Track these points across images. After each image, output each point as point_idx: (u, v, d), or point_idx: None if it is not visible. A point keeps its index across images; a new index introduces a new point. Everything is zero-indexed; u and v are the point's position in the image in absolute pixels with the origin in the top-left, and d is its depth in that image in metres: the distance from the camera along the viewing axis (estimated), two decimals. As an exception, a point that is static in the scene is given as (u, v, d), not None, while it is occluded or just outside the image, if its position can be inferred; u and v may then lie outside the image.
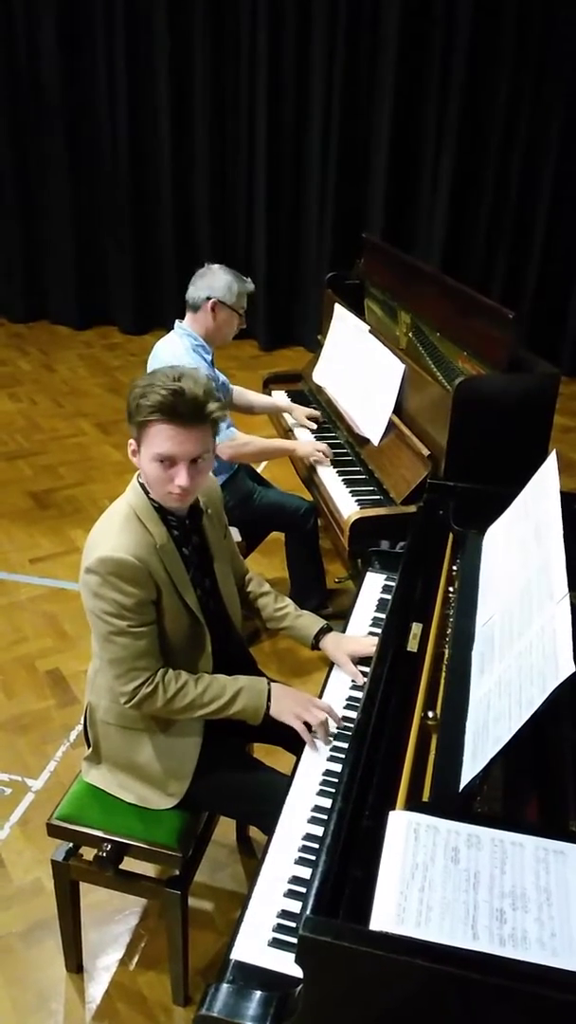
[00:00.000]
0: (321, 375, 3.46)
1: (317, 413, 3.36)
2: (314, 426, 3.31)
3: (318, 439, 3.22)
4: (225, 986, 1.24)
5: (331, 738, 1.76)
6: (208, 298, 2.77)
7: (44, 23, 5.53)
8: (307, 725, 1.76)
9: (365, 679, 1.90)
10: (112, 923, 2.18)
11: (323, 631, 2.00)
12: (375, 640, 1.96)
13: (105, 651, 1.72)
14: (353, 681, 1.92)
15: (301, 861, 1.49)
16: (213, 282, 2.78)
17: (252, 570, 2.13)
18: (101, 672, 1.81)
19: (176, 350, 2.75)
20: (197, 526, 1.85)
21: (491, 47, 5.20)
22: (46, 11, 5.48)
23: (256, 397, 3.34)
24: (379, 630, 1.99)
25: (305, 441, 3.13)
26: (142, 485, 1.74)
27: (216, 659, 1.86)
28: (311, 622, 2.02)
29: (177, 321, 2.87)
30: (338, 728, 1.79)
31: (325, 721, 1.76)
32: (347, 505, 2.75)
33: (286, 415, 3.42)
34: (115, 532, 1.68)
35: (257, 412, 3.38)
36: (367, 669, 1.88)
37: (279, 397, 3.62)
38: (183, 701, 1.74)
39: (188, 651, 1.81)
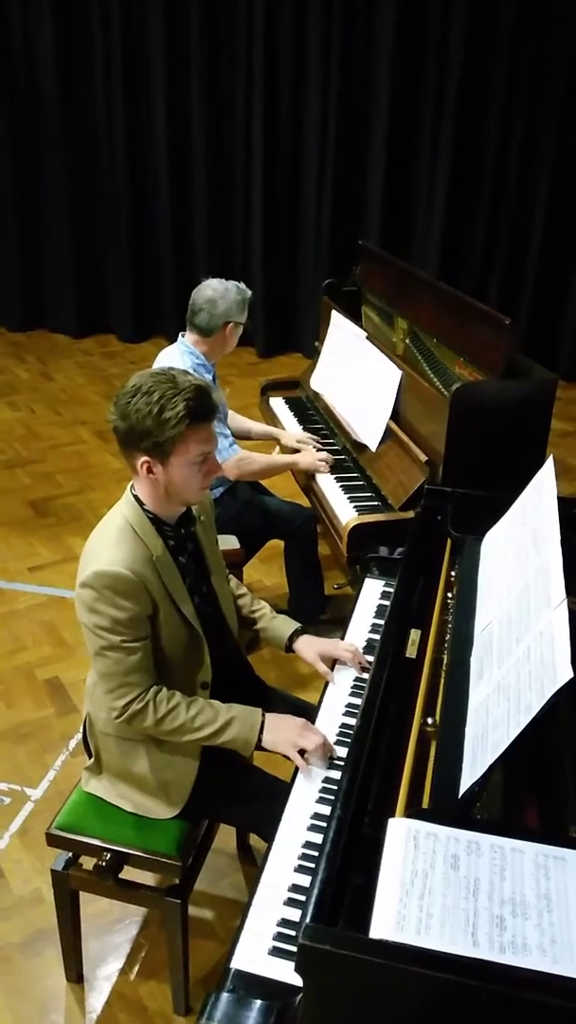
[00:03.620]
0: (319, 382, 3.46)
1: (309, 437, 3.26)
2: (312, 447, 3.23)
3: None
4: (225, 995, 1.24)
5: (329, 763, 1.72)
6: (226, 323, 2.79)
7: (42, 32, 5.54)
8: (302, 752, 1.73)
9: (333, 683, 1.94)
10: (112, 932, 2.18)
11: (297, 633, 2.01)
12: (348, 644, 1.99)
13: (98, 665, 1.72)
14: (352, 688, 1.92)
15: (301, 869, 1.49)
16: (228, 307, 2.78)
17: (251, 577, 2.14)
18: (98, 683, 1.81)
19: (177, 367, 2.75)
20: (191, 534, 1.85)
21: (486, 56, 5.22)
22: (43, 21, 5.50)
23: (254, 425, 3.27)
24: (378, 636, 1.99)
25: (306, 453, 3.11)
26: (136, 497, 1.74)
27: (214, 667, 1.85)
28: (285, 624, 2.03)
29: (181, 335, 2.87)
30: (335, 740, 1.76)
31: (321, 746, 1.72)
32: (345, 511, 2.75)
33: (282, 437, 3.30)
34: (111, 545, 1.68)
35: (255, 439, 3.27)
36: (364, 676, 1.89)
37: (276, 404, 3.62)
38: (173, 723, 1.72)
39: (186, 663, 1.81)
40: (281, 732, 1.75)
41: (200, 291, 2.81)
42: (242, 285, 2.86)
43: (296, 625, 2.02)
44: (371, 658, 1.92)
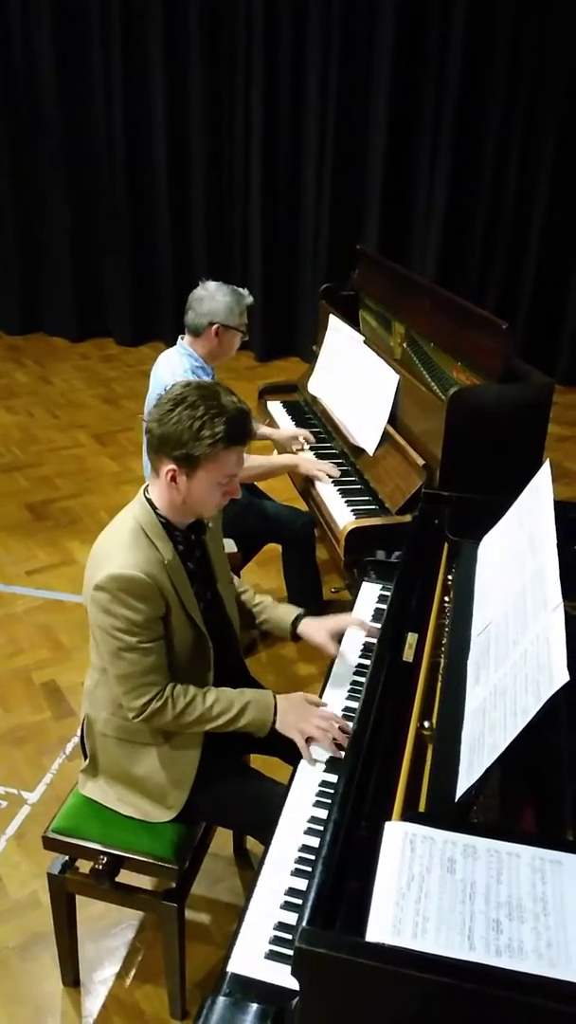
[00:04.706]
0: (316, 386, 3.47)
1: (304, 433, 3.29)
2: (305, 445, 3.26)
3: (313, 449, 3.22)
4: (222, 999, 1.24)
5: (339, 748, 1.73)
6: (211, 324, 2.75)
7: (41, 37, 5.56)
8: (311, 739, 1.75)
9: (338, 655, 1.98)
10: (109, 936, 2.17)
11: (300, 618, 2.02)
12: (355, 618, 2.02)
13: (114, 667, 1.72)
14: (349, 691, 1.92)
15: (298, 872, 1.48)
16: (213, 307, 2.74)
17: (248, 581, 2.14)
18: (100, 685, 1.81)
19: (175, 369, 2.74)
20: (200, 541, 1.86)
21: (486, 61, 5.23)
22: (42, 27, 5.52)
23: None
24: (375, 640, 1.99)
25: (308, 458, 3.12)
26: (149, 500, 1.74)
27: (216, 670, 1.86)
28: (288, 611, 2.05)
29: (180, 338, 2.86)
30: (344, 737, 1.75)
31: (329, 730, 1.74)
32: (343, 515, 2.75)
33: (276, 438, 3.32)
34: (124, 548, 1.68)
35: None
36: (362, 679, 1.89)
37: (273, 408, 3.63)
38: (192, 715, 1.74)
39: (193, 665, 1.82)
40: (292, 716, 1.77)
41: (194, 291, 2.81)
42: (243, 291, 2.82)
43: (298, 611, 2.04)
44: (377, 625, 1.95)
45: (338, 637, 2.02)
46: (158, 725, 1.76)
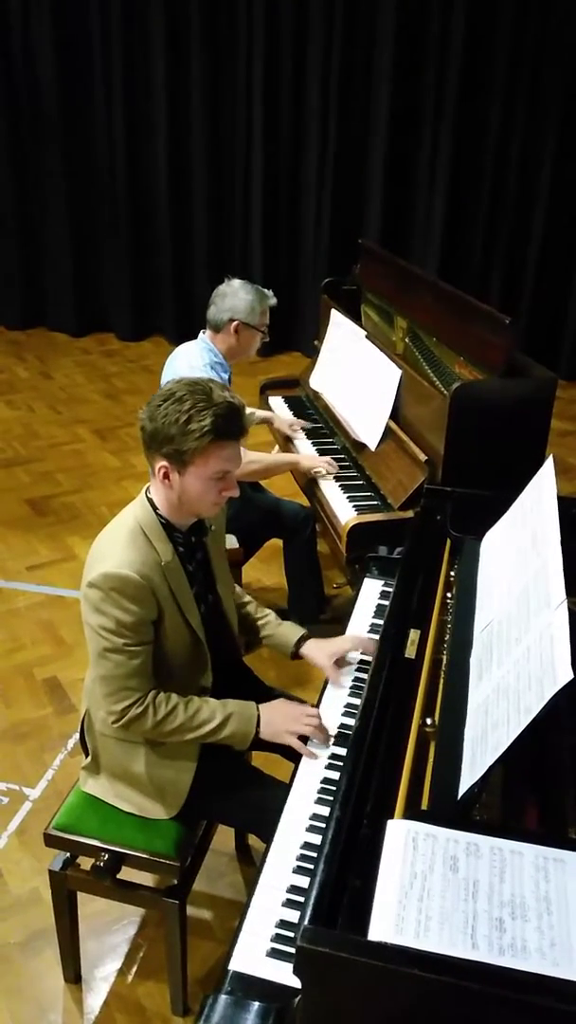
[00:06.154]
0: (318, 381, 3.46)
1: (300, 422, 3.32)
2: (301, 434, 3.28)
3: (315, 444, 3.21)
4: (223, 997, 1.23)
5: (331, 739, 1.75)
6: (231, 320, 2.76)
7: (41, 34, 5.54)
8: (303, 738, 1.75)
9: (338, 681, 1.93)
10: (110, 933, 2.17)
11: (303, 639, 1.99)
12: (354, 637, 1.99)
13: (98, 667, 1.71)
14: (351, 688, 1.92)
15: (299, 870, 1.48)
16: (235, 303, 2.75)
17: (250, 577, 2.13)
18: (97, 685, 1.80)
19: (193, 361, 2.75)
20: (201, 543, 1.84)
21: (487, 54, 5.21)
22: (43, 23, 5.50)
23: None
24: (377, 636, 1.98)
25: (308, 455, 3.11)
26: (150, 500, 1.73)
27: (215, 672, 1.85)
28: (291, 630, 2.01)
29: (202, 332, 2.86)
30: (334, 740, 1.77)
31: (319, 726, 1.74)
32: (345, 511, 2.74)
33: (274, 421, 3.37)
34: (121, 547, 1.67)
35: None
36: (363, 676, 1.88)
37: (275, 403, 3.62)
38: (172, 724, 1.73)
39: (189, 669, 1.81)
40: (277, 723, 1.77)
41: (219, 286, 2.82)
42: (267, 291, 2.84)
43: (302, 631, 2.01)
44: (375, 637, 1.93)
45: (339, 660, 1.97)
46: (137, 732, 1.75)
